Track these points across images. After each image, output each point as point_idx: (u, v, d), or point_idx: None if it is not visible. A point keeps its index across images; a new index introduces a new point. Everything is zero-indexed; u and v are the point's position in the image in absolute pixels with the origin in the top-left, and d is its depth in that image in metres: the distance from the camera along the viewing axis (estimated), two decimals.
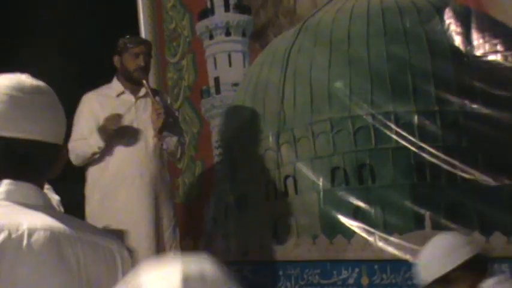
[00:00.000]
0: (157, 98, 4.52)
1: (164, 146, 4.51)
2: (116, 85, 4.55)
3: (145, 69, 4.54)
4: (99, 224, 4.33)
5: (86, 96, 4.55)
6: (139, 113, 4.49)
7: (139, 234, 4.36)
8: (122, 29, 5.80)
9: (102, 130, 4.35)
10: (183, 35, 5.90)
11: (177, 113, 5.15)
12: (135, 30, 6.07)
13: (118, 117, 4.40)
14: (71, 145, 4.39)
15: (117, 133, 4.37)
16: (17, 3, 6.77)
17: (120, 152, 4.42)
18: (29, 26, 6.76)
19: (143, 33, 6.05)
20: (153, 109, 4.46)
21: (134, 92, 4.52)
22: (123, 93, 4.50)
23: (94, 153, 4.38)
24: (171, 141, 4.55)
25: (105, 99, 4.49)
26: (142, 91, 4.51)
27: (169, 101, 4.90)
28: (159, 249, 4.44)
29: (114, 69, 4.75)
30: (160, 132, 4.43)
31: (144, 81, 4.49)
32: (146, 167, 4.44)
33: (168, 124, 4.48)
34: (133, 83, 4.51)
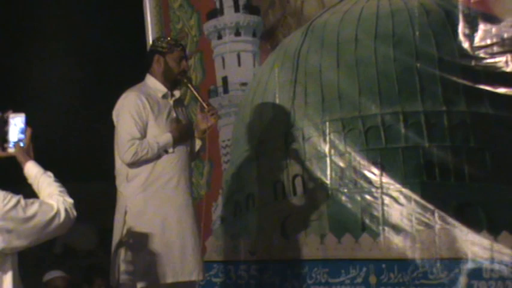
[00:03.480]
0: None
1: (197, 147, 4.59)
2: (155, 84, 4.49)
3: (187, 73, 4.63)
4: (142, 221, 4.35)
5: (131, 95, 4.43)
6: (178, 115, 4.53)
7: (188, 231, 4.38)
8: (129, 29, 5.85)
9: (178, 137, 4.41)
10: (190, 34, 5.92)
11: None
12: (142, 30, 6.10)
13: (189, 128, 4.50)
14: (132, 142, 4.34)
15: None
16: (23, 2, 6.79)
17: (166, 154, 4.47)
18: (34, 24, 6.79)
19: (150, 33, 6.08)
20: (200, 110, 4.53)
21: (172, 94, 4.55)
22: (166, 95, 4.51)
23: (159, 156, 4.42)
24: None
25: (151, 98, 4.46)
26: (177, 93, 4.54)
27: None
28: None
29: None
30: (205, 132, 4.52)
31: (190, 85, 4.54)
32: (187, 168, 4.49)
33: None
34: (172, 84, 4.53)
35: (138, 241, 4.36)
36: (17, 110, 3.69)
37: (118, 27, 5.99)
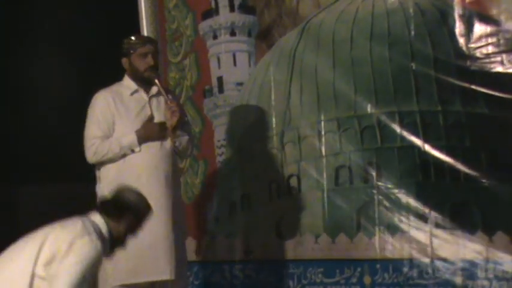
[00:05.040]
0: (169, 96, 4.49)
1: (177, 144, 4.50)
2: (128, 83, 4.52)
3: (155, 68, 4.52)
4: None
5: (99, 94, 4.51)
6: (153, 111, 4.49)
7: (160, 231, 4.33)
8: (124, 29, 5.83)
9: (144, 136, 4.38)
10: (185, 34, 5.92)
11: (185, 111, 5.04)
12: (136, 29, 6.09)
13: (162, 126, 4.44)
14: (92, 142, 4.39)
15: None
16: (19, 2, 6.78)
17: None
18: (30, 25, 6.77)
19: (145, 33, 6.05)
20: (166, 107, 4.47)
21: (146, 90, 4.52)
22: (136, 91, 4.50)
23: (124, 155, 4.40)
24: (183, 139, 4.53)
25: (119, 97, 4.47)
26: (154, 90, 4.50)
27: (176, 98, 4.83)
28: (177, 247, 4.41)
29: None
30: (174, 130, 4.44)
31: (157, 81, 4.49)
32: (161, 166, 4.43)
33: (182, 122, 4.49)
34: (145, 83, 4.51)
35: None
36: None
37: (112, 27, 5.98)
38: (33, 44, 6.70)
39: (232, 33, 5.60)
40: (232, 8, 5.60)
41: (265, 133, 5.35)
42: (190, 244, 5.65)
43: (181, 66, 5.94)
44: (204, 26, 5.76)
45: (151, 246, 4.29)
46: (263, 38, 5.46)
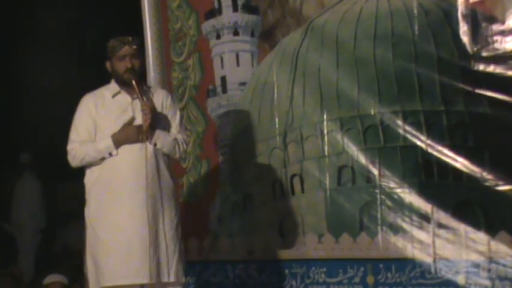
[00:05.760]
0: (144, 99, 4.44)
1: (158, 146, 4.43)
2: (112, 86, 4.52)
3: (133, 70, 4.45)
4: (97, 226, 4.35)
5: (82, 99, 4.52)
6: (136, 113, 4.47)
7: (135, 234, 4.29)
8: (127, 29, 5.85)
9: (121, 139, 4.36)
10: (188, 34, 5.92)
11: (178, 112, 4.95)
12: (140, 29, 6.09)
13: (140, 129, 4.39)
14: (71, 146, 4.42)
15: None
16: (21, 2, 6.80)
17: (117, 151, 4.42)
18: (32, 26, 6.79)
19: (148, 33, 6.07)
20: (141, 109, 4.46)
21: (130, 92, 4.50)
22: (119, 93, 4.48)
23: (103, 158, 4.41)
24: (166, 140, 4.47)
25: (101, 100, 4.47)
26: None
27: (170, 98, 4.76)
28: (158, 249, 4.35)
29: None
30: (147, 131, 4.39)
31: (134, 82, 4.43)
32: (142, 168, 4.38)
33: (156, 123, 4.45)
34: (126, 85, 4.50)
35: (91, 244, 4.39)
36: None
37: (116, 27, 6.00)
38: (35, 43, 6.72)
39: (236, 33, 5.61)
40: (235, 8, 5.61)
41: (268, 133, 5.35)
42: (193, 244, 5.66)
43: (184, 66, 5.95)
44: (207, 25, 5.77)
45: (127, 248, 4.27)
46: (266, 38, 5.47)
